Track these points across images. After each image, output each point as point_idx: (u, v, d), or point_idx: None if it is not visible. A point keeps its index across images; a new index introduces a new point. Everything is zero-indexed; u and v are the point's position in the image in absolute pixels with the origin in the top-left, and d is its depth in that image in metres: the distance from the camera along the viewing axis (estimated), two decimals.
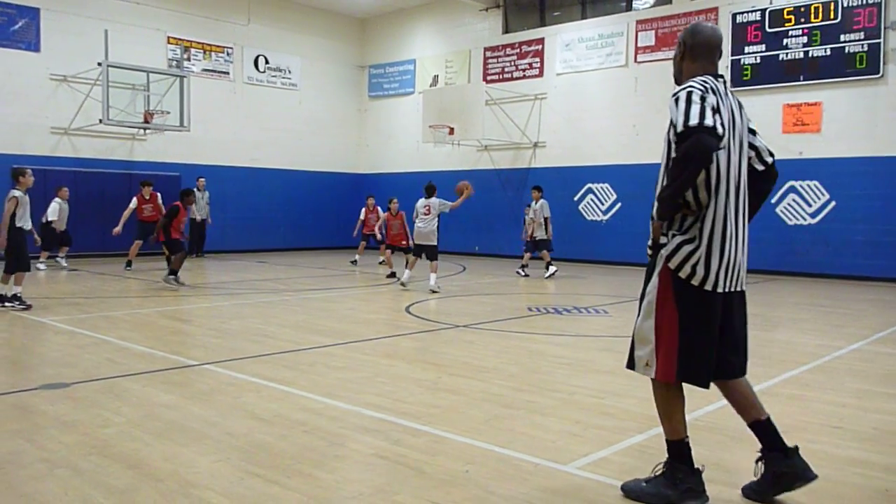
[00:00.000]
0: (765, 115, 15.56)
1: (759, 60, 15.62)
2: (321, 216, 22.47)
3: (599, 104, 18.25)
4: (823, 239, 14.93)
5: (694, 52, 3.39)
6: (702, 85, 3.17)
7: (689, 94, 3.13)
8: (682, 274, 3.25)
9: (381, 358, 6.42)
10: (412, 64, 22.21)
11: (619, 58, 17.86)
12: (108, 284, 12.42)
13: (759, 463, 3.41)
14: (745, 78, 15.78)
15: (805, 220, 15.17)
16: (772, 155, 3.46)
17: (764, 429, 3.41)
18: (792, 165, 15.26)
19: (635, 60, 17.58)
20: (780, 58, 15.34)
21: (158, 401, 4.99)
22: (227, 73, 20.62)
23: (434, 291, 11.44)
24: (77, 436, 4.21)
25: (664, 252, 3.33)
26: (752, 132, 3.43)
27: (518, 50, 19.87)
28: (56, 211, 14.52)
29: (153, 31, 19.05)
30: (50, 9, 17.22)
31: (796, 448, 3.38)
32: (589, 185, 18.47)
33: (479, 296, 11.39)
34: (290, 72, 22.03)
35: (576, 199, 18.69)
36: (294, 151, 22.06)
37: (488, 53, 20.54)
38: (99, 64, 16.26)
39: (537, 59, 19.46)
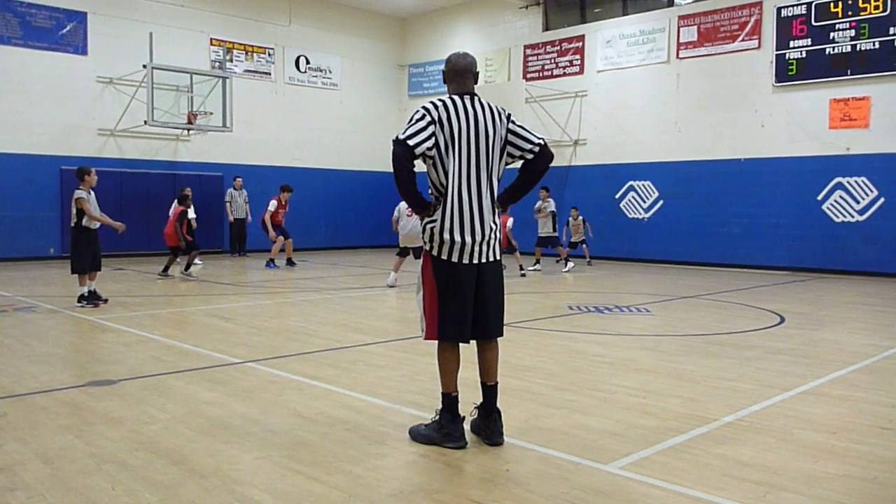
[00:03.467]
0: (811, 110, 15.26)
1: (804, 55, 15.29)
2: (361, 215, 22.59)
3: (641, 101, 18.05)
4: (872, 236, 14.57)
5: (447, 77, 4.20)
6: (431, 104, 4.01)
7: (415, 112, 4.01)
8: (432, 250, 4.06)
9: (421, 356, 6.43)
10: None
11: (661, 54, 17.64)
12: (153, 283, 12.65)
13: (475, 410, 4.22)
14: (790, 73, 15.47)
15: (853, 217, 14.81)
16: (539, 144, 4.16)
17: (488, 391, 4.15)
18: (839, 161, 14.93)
19: (677, 56, 17.35)
20: (827, 52, 14.99)
21: (202, 398, 5.07)
22: (269, 74, 20.85)
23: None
24: (124, 432, 4.29)
25: (420, 233, 4.19)
26: (515, 133, 4.13)
27: (558, 47, 19.75)
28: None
29: (196, 32, 19.35)
30: (97, 12, 17.59)
31: (498, 415, 4.12)
32: (630, 182, 18.28)
33: (519, 294, 11.34)
34: (330, 72, 22.20)
35: (617, 196, 18.51)
36: (334, 151, 22.22)
37: (528, 51, 20.45)
38: (144, 66, 16.56)
39: (578, 57, 19.32)
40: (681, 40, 17.27)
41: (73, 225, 9.50)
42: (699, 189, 16.92)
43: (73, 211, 9.43)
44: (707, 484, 3.51)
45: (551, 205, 15.36)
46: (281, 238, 15.69)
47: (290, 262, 16.00)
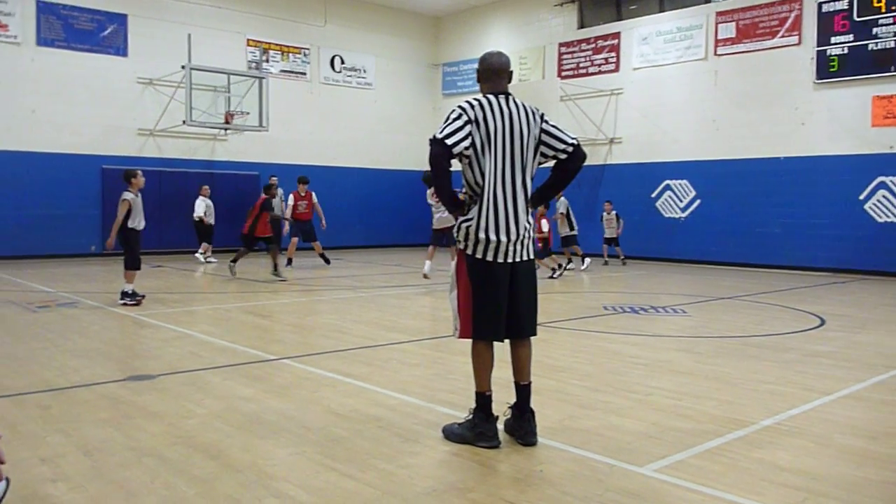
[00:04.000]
0: (853, 107, 14.96)
1: (846, 51, 14.99)
2: (395, 214, 22.66)
3: (678, 99, 17.85)
4: None
5: (482, 77, 4.22)
6: (467, 103, 4.01)
7: (451, 112, 4.01)
8: (467, 249, 4.06)
9: (454, 355, 6.43)
10: None
11: (699, 51, 17.42)
12: (190, 280, 12.84)
13: (508, 410, 4.21)
14: (831, 70, 15.18)
15: None
16: (572, 144, 4.14)
17: (521, 391, 4.14)
18: (882, 160, 14.61)
19: (715, 53, 17.12)
20: (870, 48, 14.68)
21: (239, 394, 5.13)
22: (304, 74, 21.02)
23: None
24: (162, 426, 4.36)
25: (453, 232, 4.18)
26: (548, 133, 4.13)
27: (594, 45, 19.61)
28: (202, 207, 16.24)
29: (233, 33, 19.58)
30: (137, 15, 17.90)
31: (531, 415, 4.11)
32: (667, 181, 18.09)
33: (553, 294, 11.29)
34: (365, 71, 22.31)
35: (653, 195, 18.33)
36: (369, 150, 22.33)
37: (563, 49, 20.35)
38: (182, 67, 16.82)
39: (613, 54, 19.17)
40: (719, 37, 17.04)
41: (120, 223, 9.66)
42: (737, 188, 16.69)
43: (125, 212, 9.55)
44: (744, 488, 3.46)
45: (562, 205, 15.14)
46: (295, 239, 15.34)
47: (289, 263, 15.36)
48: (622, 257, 17.00)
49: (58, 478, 3.52)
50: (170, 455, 3.85)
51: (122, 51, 17.74)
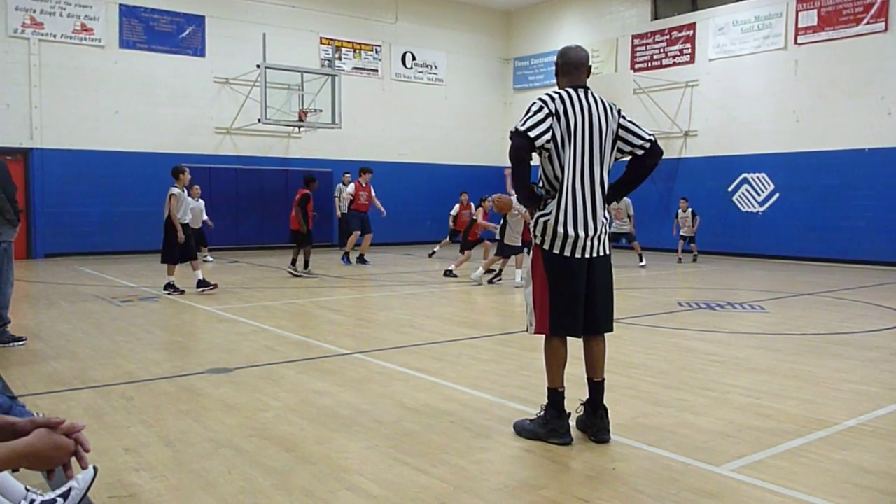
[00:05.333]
0: None
1: None
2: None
3: (756, 90, 17.30)
4: None
5: (561, 70, 4.19)
6: (548, 96, 3.99)
7: (532, 104, 4.00)
8: (544, 244, 4.03)
9: (525, 351, 6.40)
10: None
11: (778, 40, 16.85)
12: (266, 275, 13.13)
13: (580, 407, 4.19)
14: None
15: None
16: (649, 140, 4.12)
17: (595, 388, 4.11)
18: None
19: (795, 42, 16.53)
20: None
21: (312, 387, 5.22)
22: (376, 71, 21.22)
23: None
24: (239, 418, 4.47)
25: (531, 227, 4.15)
26: (626, 128, 4.09)
27: (668, 36, 19.19)
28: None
29: (307, 32, 19.91)
30: (214, 16, 18.38)
31: (604, 412, 4.07)
32: (744, 174, 17.57)
33: (627, 290, 11.12)
34: (436, 67, 22.38)
35: (730, 189, 17.84)
36: (440, 146, 22.40)
37: (636, 41, 19.98)
38: (258, 66, 17.19)
39: (688, 45, 18.72)
40: (799, 25, 16.44)
41: (166, 218, 10.18)
42: (819, 181, 16.09)
43: (168, 205, 10.11)
44: (826, 490, 3.34)
45: (624, 205, 14.91)
46: (357, 232, 15.07)
47: (361, 260, 15.27)
48: (695, 254, 16.62)
49: (141, 467, 3.64)
50: (246, 447, 3.95)
51: (199, 51, 18.25)
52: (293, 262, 13.05)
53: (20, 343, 6.73)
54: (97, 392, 5.10)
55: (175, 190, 10.06)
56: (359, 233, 15.23)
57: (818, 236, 16.10)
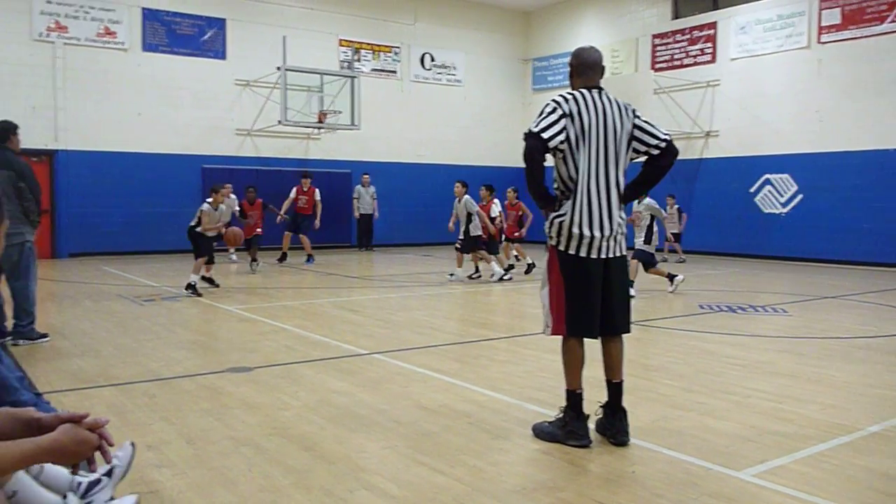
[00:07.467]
0: None
1: None
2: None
3: (778, 89, 17.14)
4: None
5: (575, 71, 4.16)
6: (561, 97, 3.98)
7: (545, 105, 3.99)
8: (559, 245, 4.02)
9: (544, 353, 6.38)
10: None
11: (801, 39, 16.69)
12: (285, 276, 13.20)
13: (599, 409, 4.17)
14: None
15: None
16: (665, 140, 4.08)
17: (613, 389, 4.09)
18: None
19: (819, 41, 16.36)
20: None
21: (331, 387, 5.24)
22: (395, 72, 21.26)
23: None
24: (259, 417, 4.50)
25: (545, 228, 4.12)
26: (641, 128, 4.07)
27: (689, 36, 19.07)
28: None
29: (326, 34, 19.98)
30: (234, 19, 18.51)
31: (623, 414, 4.05)
32: (766, 175, 17.40)
33: (647, 292, 11.05)
34: (454, 68, 22.38)
35: (751, 190, 17.67)
36: (458, 146, 22.38)
37: (656, 41, 19.87)
38: (278, 68, 17.28)
39: (709, 45, 18.59)
40: (822, 24, 16.28)
41: (192, 225, 10.54)
42: (843, 182, 15.90)
43: (197, 217, 10.52)
44: (850, 497, 3.31)
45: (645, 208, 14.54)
46: (288, 234, 15.47)
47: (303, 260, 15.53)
48: (680, 254, 16.52)
49: (162, 464, 3.68)
50: (266, 445, 3.97)
51: (220, 54, 18.38)
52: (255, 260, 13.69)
53: (44, 340, 6.83)
54: (120, 389, 5.16)
55: (205, 207, 10.45)
56: (290, 234, 15.51)
57: (842, 238, 15.92)
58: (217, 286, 10.83)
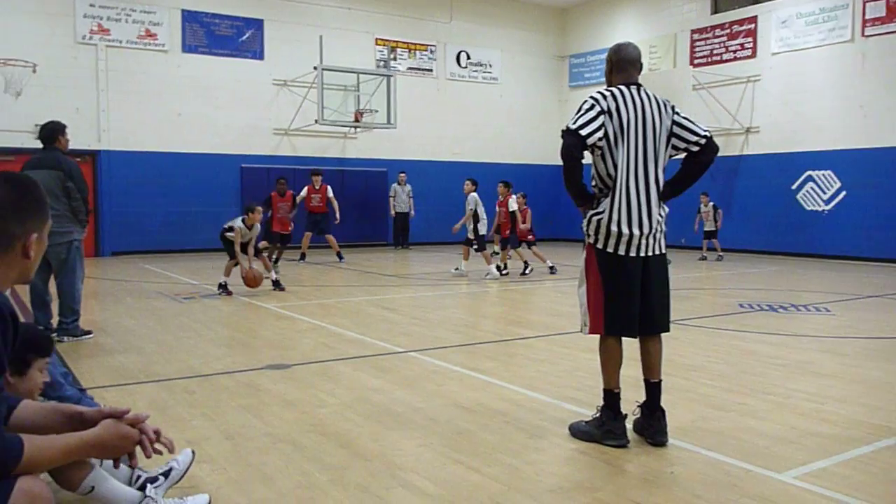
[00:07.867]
0: None
1: None
2: None
3: (821, 84, 16.81)
4: None
5: (614, 67, 4.13)
6: (600, 94, 3.94)
7: (584, 102, 3.95)
8: (597, 243, 3.99)
9: (581, 352, 6.34)
10: None
11: (844, 32, 16.34)
12: (321, 274, 13.30)
13: (637, 409, 4.13)
14: None
15: None
16: (705, 136, 4.03)
17: (651, 389, 4.05)
18: None
19: (862, 34, 16.01)
20: None
21: (368, 384, 5.27)
22: (431, 71, 21.29)
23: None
24: (297, 414, 4.54)
25: (582, 226, 4.09)
26: (680, 125, 4.03)
27: (728, 30, 18.79)
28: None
29: (362, 33, 20.09)
30: (272, 19, 18.71)
31: (661, 414, 4.00)
32: (808, 172, 17.09)
33: (686, 290, 10.93)
34: (490, 66, 22.34)
35: (793, 187, 17.37)
36: (494, 144, 22.34)
37: (695, 36, 19.62)
38: (314, 68, 17.42)
39: (750, 39, 18.30)
40: (867, 17, 15.92)
41: (224, 229, 10.52)
42: (888, 178, 15.54)
43: (228, 228, 10.44)
44: (894, 502, 3.23)
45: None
46: (308, 234, 15.36)
47: (302, 258, 15.50)
48: (719, 251, 16.29)
49: (202, 459, 3.72)
50: (304, 442, 4.01)
51: (258, 54, 18.59)
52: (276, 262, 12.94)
53: (88, 337, 6.98)
54: (161, 386, 5.24)
55: (239, 223, 10.25)
56: (310, 234, 15.40)
57: (887, 235, 15.56)
58: (283, 289, 10.59)
